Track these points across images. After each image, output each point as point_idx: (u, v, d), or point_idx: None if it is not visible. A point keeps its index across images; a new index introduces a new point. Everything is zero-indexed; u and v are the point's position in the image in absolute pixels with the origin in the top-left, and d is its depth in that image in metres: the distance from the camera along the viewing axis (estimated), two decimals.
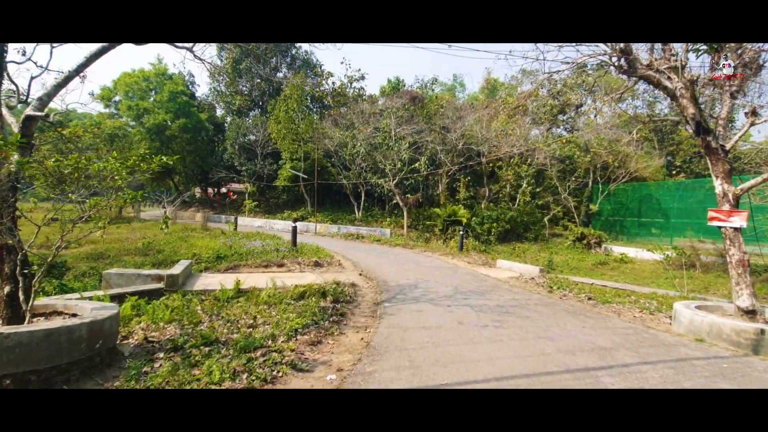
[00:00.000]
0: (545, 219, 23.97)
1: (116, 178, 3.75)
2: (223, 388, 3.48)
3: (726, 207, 5.64)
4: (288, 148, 26.17)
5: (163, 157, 3.78)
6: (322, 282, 8.12)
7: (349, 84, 29.27)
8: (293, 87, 26.11)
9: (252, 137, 30.50)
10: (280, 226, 26.29)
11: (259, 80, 35.62)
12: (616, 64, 6.60)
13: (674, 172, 30.19)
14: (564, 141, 26.33)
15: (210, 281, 8.24)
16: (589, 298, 7.92)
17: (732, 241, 5.56)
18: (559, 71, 8.04)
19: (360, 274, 10.11)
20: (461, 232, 15.49)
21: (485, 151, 23.96)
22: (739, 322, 4.83)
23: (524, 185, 24.94)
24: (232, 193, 20.77)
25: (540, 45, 7.17)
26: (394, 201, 24.70)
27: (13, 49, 6.20)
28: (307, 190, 27.95)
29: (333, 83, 30.29)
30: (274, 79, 30.61)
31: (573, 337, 5.05)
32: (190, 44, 6.40)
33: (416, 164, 24.05)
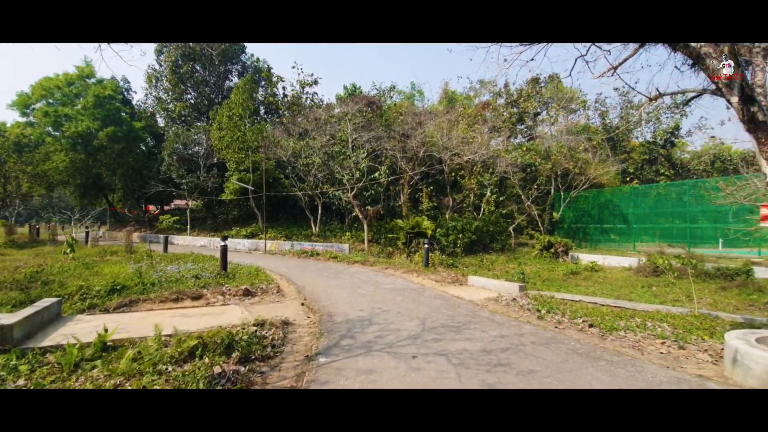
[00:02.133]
0: (510, 228, 22.75)
1: None
2: None
3: None
4: (233, 157, 23.37)
5: None
6: (241, 321, 5.78)
7: (301, 89, 27.01)
8: (238, 90, 23.52)
9: (196, 148, 27.37)
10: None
11: (207, 88, 32.67)
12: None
13: (628, 179, 30.48)
14: (525, 148, 25.55)
15: (81, 328, 5.68)
16: (591, 325, 6.13)
17: None
18: (530, 65, 6.38)
19: (302, 304, 7.82)
20: (426, 246, 13.58)
21: (447, 159, 22.55)
22: None
23: (488, 194, 23.70)
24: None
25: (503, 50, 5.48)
26: (354, 213, 22.55)
27: None
28: (259, 204, 25.20)
29: (284, 88, 27.96)
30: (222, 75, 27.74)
31: None
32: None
33: (376, 174, 22.13)
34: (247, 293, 8.49)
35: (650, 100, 5.40)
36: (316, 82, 26.11)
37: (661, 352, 4.86)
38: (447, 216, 22.60)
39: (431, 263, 13.77)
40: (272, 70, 29.14)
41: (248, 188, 23.02)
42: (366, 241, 20.57)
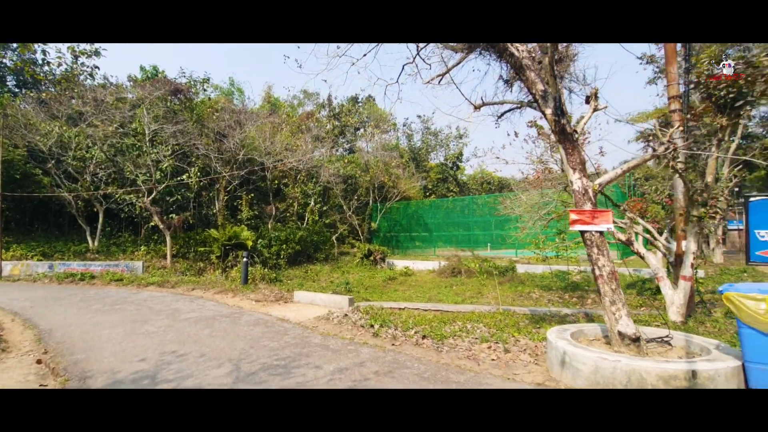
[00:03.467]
0: (334, 238, 22.53)
1: None
2: None
3: (588, 206, 4.35)
4: None
5: None
6: None
7: (74, 59, 19.98)
8: None
9: None
10: None
11: None
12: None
13: (428, 194, 35.18)
14: (346, 160, 26.05)
15: None
16: (424, 336, 5.72)
17: (600, 249, 4.26)
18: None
19: (38, 362, 4.84)
20: (245, 259, 11.48)
21: (270, 165, 20.62)
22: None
23: (312, 203, 22.88)
24: None
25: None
26: (153, 223, 17.87)
27: None
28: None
29: (46, 53, 20.25)
30: None
31: None
32: None
33: (184, 176, 18.20)
34: None
35: (475, 108, 5.40)
36: (97, 53, 19.61)
37: (492, 359, 4.70)
38: (270, 225, 20.60)
39: (251, 279, 11.74)
40: None
41: None
42: (169, 257, 16.51)
